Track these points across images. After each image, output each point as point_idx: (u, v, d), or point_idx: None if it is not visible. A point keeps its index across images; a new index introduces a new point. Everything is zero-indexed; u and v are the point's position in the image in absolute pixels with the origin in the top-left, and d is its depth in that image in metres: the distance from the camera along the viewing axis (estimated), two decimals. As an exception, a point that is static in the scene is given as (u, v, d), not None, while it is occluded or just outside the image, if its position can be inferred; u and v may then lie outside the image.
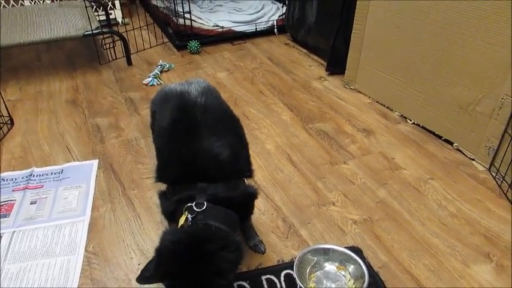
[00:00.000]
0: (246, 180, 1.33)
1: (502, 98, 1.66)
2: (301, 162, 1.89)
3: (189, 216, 1.12)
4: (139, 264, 1.40)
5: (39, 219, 1.58)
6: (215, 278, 1.03)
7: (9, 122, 2.22)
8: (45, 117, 2.31)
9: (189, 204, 1.14)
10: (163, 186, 1.31)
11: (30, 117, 2.31)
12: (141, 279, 1.07)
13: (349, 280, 1.27)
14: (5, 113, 2.22)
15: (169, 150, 1.26)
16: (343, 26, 2.48)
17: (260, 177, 1.79)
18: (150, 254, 1.41)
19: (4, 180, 1.79)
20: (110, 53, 2.87)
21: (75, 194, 1.71)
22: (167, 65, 2.84)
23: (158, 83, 2.65)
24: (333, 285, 1.27)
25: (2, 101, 2.23)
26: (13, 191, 1.73)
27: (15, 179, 1.81)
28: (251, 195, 1.28)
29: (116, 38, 2.84)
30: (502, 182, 1.70)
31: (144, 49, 3.12)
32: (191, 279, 1.03)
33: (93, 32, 2.67)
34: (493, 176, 1.76)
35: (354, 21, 2.32)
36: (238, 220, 1.20)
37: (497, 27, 1.63)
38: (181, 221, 1.13)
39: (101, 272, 1.38)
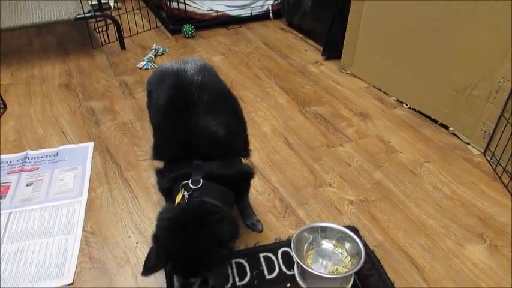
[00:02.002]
0: (243, 160, 1.34)
1: (499, 82, 1.67)
2: (298, 145, 1.90)
3: (186, 193, 1.12)
4: (137, 243, 1.40)
5: (36, 200, 1.58)
6: (215, 248, 1.04)
7: (1, 106, 2.20)
8: (38, 101, 2.29)
9: (185, 182, 1.14)
10: (159, 165, 1.31)
11: (23, 101, 2.28)
12: (145, 271, 1.07)
13: (346, 257, 1.28)
14: (-3, 96, 2.19)
15: (166, 128, 1.25)
16: (339, 10, 2.47)
17: (257, 158, 1.80)
18: (148, 233, 1.43)
19: (-1, 162, 1.78)
20: (103, 36, 2.84)
21: (71, 175, 1.71)
22: (161, 49, 2.81)
23: (152, 66, 2.63)
24: (330, 263, 1.28)
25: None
26: (8, 173, 1.72)
27: (10, 161, 1.79)
28: (247, 174, 1.28)
29: (109, 21, 2.81)
30: (496, 165, 1.72)
31: (138, 33, 3.09)
32: (192, 254, 1.03)
33: (85, 15, 2.63)
34: (487, 159, 1.78)
35: (351, 5, 2.31)
36: (233, 198, 1.21)
37: (494, 10, 1.63)
38: (178, 198, 1.14)
39: (99, 250, 1.38)
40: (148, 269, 1.06)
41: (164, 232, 1.08)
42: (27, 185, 1.66)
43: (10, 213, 1.52)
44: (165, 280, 1.27)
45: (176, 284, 1.15)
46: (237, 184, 1.23)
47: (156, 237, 1.08)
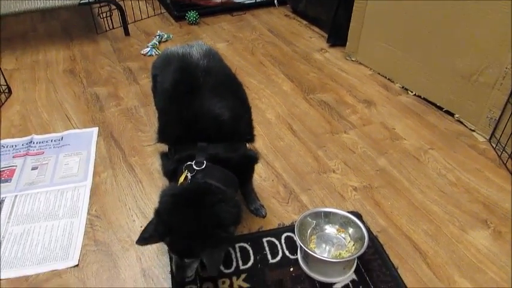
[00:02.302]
0: (247, 145, 1.34)
1: (506, 68, 1.66)
2: (302, 131, 1.89)
3: (189, 174, 1.13)
4: (141, 227, 1.41)
5: (41, 184, 1.59)
6: (216, 230, 1.04)
7: (6, 90, 2.20)
8: (43, 86, 2.29)
9: (188, 163, 1.15)
10: (164, 149, 1.32)
11: (28, 86, 2.29)
12: (140, 240, 1.07)
13: (349, 242, 1.29)
14: (2, 81, 2.19)
15: (170, 111, 1.25)
16: (345, -4, 2.45)
17: (261, 145, 1.80)
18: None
19: (4, 147, 1.79)
20: (107, 22, 2.82)
21: (76, 160, 1.71)
22: (165, 36, 2.80)
23: (156, 53, 2.62)
24: (333, 247, 1.29)
25: (-1, 69, 2.21)
26: (14, 157, 1.73)
27: (15, 145, 1.80)
28: (251, 158, 1.29)
29: (113, 7, 2.79)
30: (502, 152, 1.71)
31: (142, 19, 3.07)
32: (190, 232, 1.04)
33: (89, 0, 2.62)
34: (493, 146, 1.77)
35: (356, -9, 2.29)
36: (237, 181, 1.21)
37: (502, -5, 1.61)
38: (181, 179, 1.14)
39: (103, 233, 1.39)
40: (144, 238, 1.07)
41: (166, 207, 1.08)
42: (33, 168, 1.67)
43: (16, 196, 1.53)
44: (169, 262, 1.28)
45: (173, 265, 1.16)
46: (241, 168, 1.23)
47: (157, 212, 1.09)
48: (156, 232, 1.05)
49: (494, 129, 1.77)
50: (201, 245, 1.03)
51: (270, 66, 2.46)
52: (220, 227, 1.05)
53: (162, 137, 1.27)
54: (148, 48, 2.63)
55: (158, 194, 1.15)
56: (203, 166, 1.13)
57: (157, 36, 2.76)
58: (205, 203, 1.06)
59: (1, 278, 1.25)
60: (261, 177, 1.63)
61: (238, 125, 1.25)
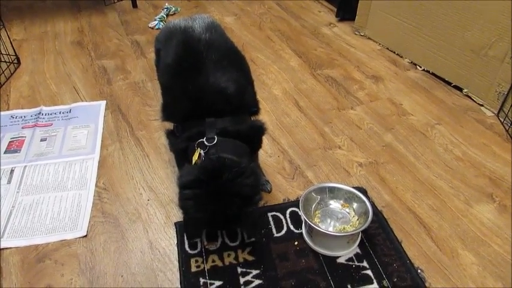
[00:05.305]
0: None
1: (516, 42, 1.63)
2: (309, 108, 1.88)
3: (202, 151, 1.13)
4: (148, 200, 1.43)
5: (50, 155, 1.61)
6: (242, 209, 1.08)
7: (15, 61, 2.21)
8: (51, 57, 2.30)
9: (200, 140, 1.15)
10: (169, 126, 1.32)
11: (37, 57, 2.29)
12: (190, 238, 1.25)
13: (353, 217, 1.30)
14: (11, 52, 2.20)
15: (174, 87, 1.25)
16: (355, -31, 2.40)
17: (267, 121, 1.78)
18: (159, 191, 1.47)
19: (13, 117, 1.81)
20: (115, -7, 2.81)
21: (84, 133, 1.73)
22: (173, 9, 2.78)
23: (164, 26, 2.60)
24: (337, 222, 1.30)
25: (8, 40, 2.21)
26: (23, 128, 1.75)
27: (24, 116, 1.82)
28: (260, 129, 1.28)
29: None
30: (510, 126, 1.70)
31: (149, -8, 3.04)
32: (220, 217, 1.09)
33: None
34: (501, 121, 1.76)
35: (367, -37, 2.24)
36: (249, 151, 1.21)
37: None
38: (195, 157, 1.15)
39: (111, 206, 1.42)
40: (191, 237, 1.23)
41: (190, 204, 1.10)
42: (41, 140, 1.69)
43: (25, 166, 1.55)
44: (175, 235, 1.30)
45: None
46: (250, 139, 1.23)
47: (183, 209, 1.12)
48: (193, 229, 1.16)
49: (503, 103, 1.75)
50: (235, 223, 1.13)
51: (277, 41, 2.43)
52: (245, 203, 1.08)
53: (167, 115, 1.27)
54: (156, 21, 2.61)
55: (166, 172, 1.15)
56: (214, 141, 1.14)
57: (165, 9, 2.73)
58: (225, 184, 1.07)
59: (12, 246, 1.28)
60: (266, 153, 1.63)
61: (244, 97, 1.25)
